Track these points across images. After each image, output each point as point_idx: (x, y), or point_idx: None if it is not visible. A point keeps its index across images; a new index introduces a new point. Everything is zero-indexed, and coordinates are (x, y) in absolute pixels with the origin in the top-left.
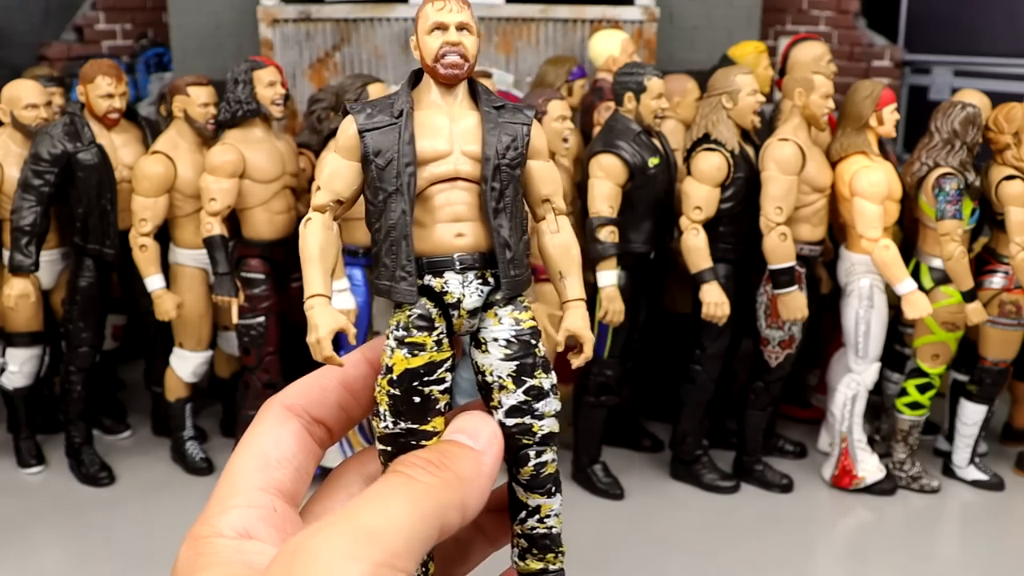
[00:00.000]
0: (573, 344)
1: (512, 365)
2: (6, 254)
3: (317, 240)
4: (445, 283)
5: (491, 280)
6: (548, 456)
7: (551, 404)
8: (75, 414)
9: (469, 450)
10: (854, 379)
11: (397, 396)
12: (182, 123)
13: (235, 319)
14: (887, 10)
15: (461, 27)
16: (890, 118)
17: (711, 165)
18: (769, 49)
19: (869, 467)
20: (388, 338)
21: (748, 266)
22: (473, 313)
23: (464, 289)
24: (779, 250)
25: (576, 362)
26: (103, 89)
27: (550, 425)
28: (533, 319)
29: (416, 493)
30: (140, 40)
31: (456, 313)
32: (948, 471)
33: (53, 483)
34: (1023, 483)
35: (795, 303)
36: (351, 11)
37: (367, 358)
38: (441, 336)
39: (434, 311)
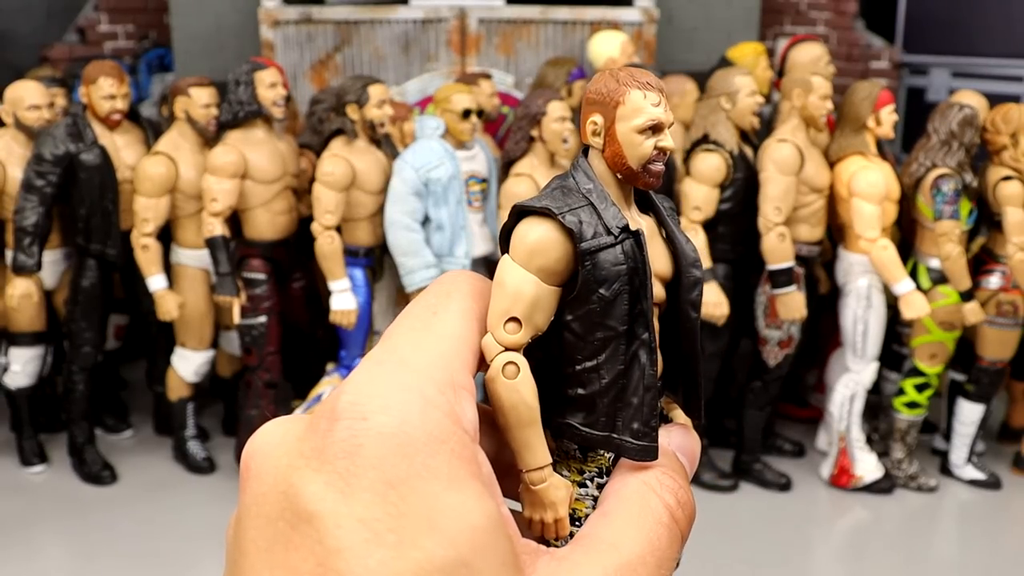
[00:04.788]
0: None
1: None
2: (9, 254)
3: (534, 393)
4: None
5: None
6: None
7: None
8: (77, 413)
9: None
10: (852, 379)
11: None
12: (184, 124)
13: (236, 319)
14: (885, 12)
15: (670, 125)
16: (888, 119)
17: (710, 166)
18: (768, 50)
19: (867, 466)
20: (588, 485)
21: (747, 266)
22: None
23: None
24: (778, 250)
25: None
26: (105, 90)
27: None
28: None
29: (663, 537)
30: (142, 41)
31: None
32: (945, 470)
33: (56, 482)
34: (1020, 482)
35: (793, 303)
36: (352, 13)
37: None
38: None
39: None
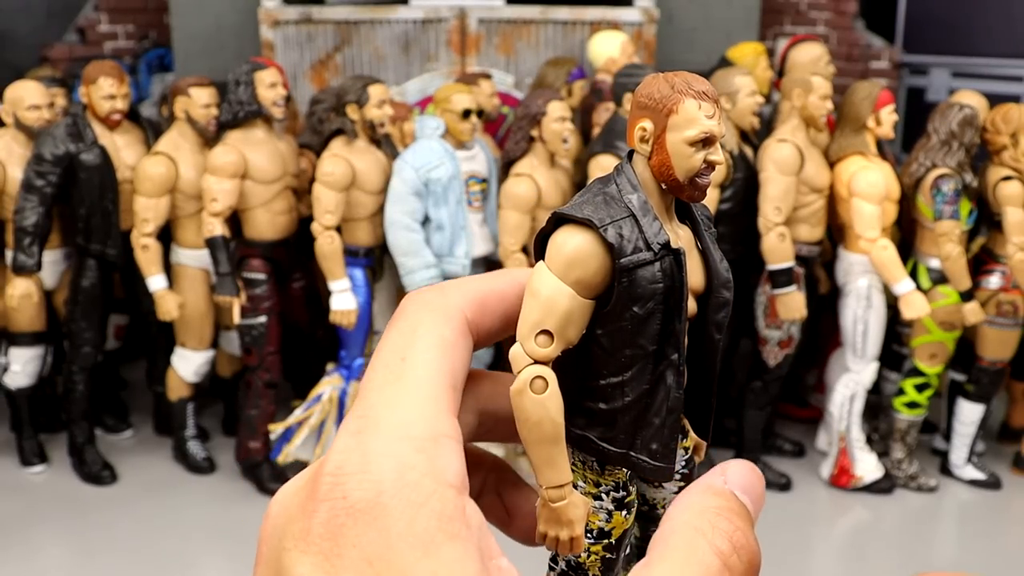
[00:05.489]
0: None
1: (678, 487)
2: (9, 254)
3: (560, 410)
4: None
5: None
6: None
7: None
8: (77, 413)
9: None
10: (852, 379)
11: (611, 559)
12: (184, 124)
13: (236, 319)
14: (885, 11)
15: (722, 137)
16: (888, 119)
17: None
18: (768, 50)
19: (867, 466)
20: (603, 498)
21: (747, 266)
22: None
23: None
24: (778, 250)
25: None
26: (105, 90)
27: None
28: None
29: None
30: (142, 41)
31: None
32: (945, 470)
33: (56, 482)
34: (1020, 482)
35: (793, 303)
36: (352, 13)
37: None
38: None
39: None
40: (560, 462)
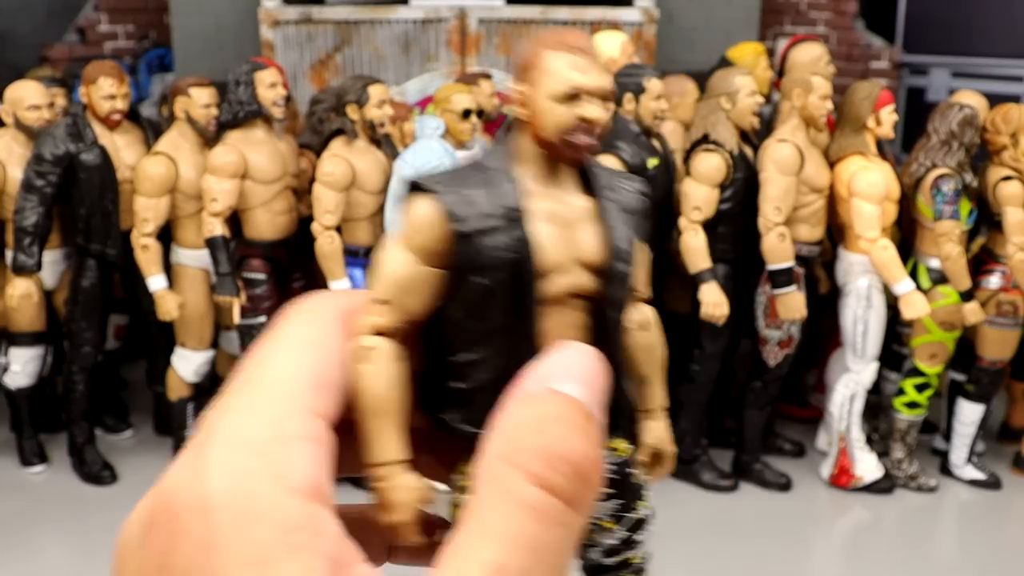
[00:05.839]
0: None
1: (613, 504)
2: (9, 254)
3: (390, 381)
4: None
5: None
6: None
7: (646, 530)
8: (77, 413)
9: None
10: (852, 379)
11: None
12: (184, 124)
13: (237, 319)
14: (885, 11)
15: (604, 97)
16: (888, 119)
17: (710, 166)
18: (768, 50)
19: (867, 466)
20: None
21: (747, 266)
22: None
23: None
24: (777, 250)
25: (656, 477)
26: (105, 90)
27: (645, 549)
28: (629, 444)
29: (528, 522)
30: (142, 41)
31: None
32: (945, 470)
33: (56, 482)
34: (1020, 482)
35: (793, 303)
36: (352, 13)
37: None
38: None
39: None
40: (384, 439)
